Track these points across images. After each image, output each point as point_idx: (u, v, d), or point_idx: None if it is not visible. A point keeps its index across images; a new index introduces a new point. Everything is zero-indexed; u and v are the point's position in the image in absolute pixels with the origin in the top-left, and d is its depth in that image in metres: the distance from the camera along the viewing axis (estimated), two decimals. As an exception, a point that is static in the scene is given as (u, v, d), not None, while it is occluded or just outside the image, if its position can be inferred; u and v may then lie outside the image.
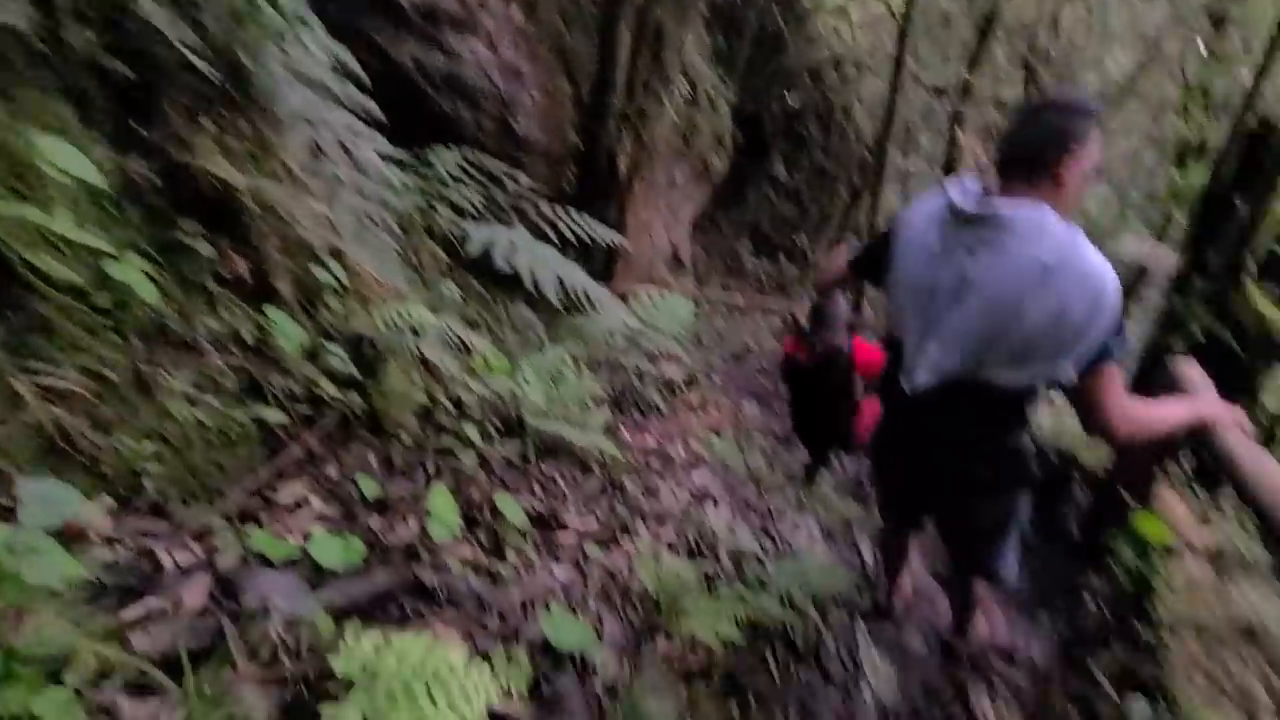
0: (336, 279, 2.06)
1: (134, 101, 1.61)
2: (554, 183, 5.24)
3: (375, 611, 1.41)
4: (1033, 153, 1.33)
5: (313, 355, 1.88)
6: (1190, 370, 2.00)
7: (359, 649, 1.06)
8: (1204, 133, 5.19)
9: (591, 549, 2.01)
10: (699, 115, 7.47)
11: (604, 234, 4.61)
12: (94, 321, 1.40)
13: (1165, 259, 5.08)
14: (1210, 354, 2.88)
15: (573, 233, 4.51)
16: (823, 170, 11.33)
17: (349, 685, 1.03)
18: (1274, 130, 2.91)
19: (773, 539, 2.54)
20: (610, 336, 4.10)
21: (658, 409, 3.87)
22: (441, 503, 1.66)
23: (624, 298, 4.26)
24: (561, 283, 3.69)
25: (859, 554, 2.68)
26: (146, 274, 1.48)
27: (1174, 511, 2.45)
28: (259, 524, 1.49)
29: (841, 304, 3.07)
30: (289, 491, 1.70)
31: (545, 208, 4.47)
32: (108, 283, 1.45)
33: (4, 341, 1.24)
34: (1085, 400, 1.33)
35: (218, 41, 1.73)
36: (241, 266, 1.78)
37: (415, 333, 2.20)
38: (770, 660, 2.10)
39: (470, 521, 1.92)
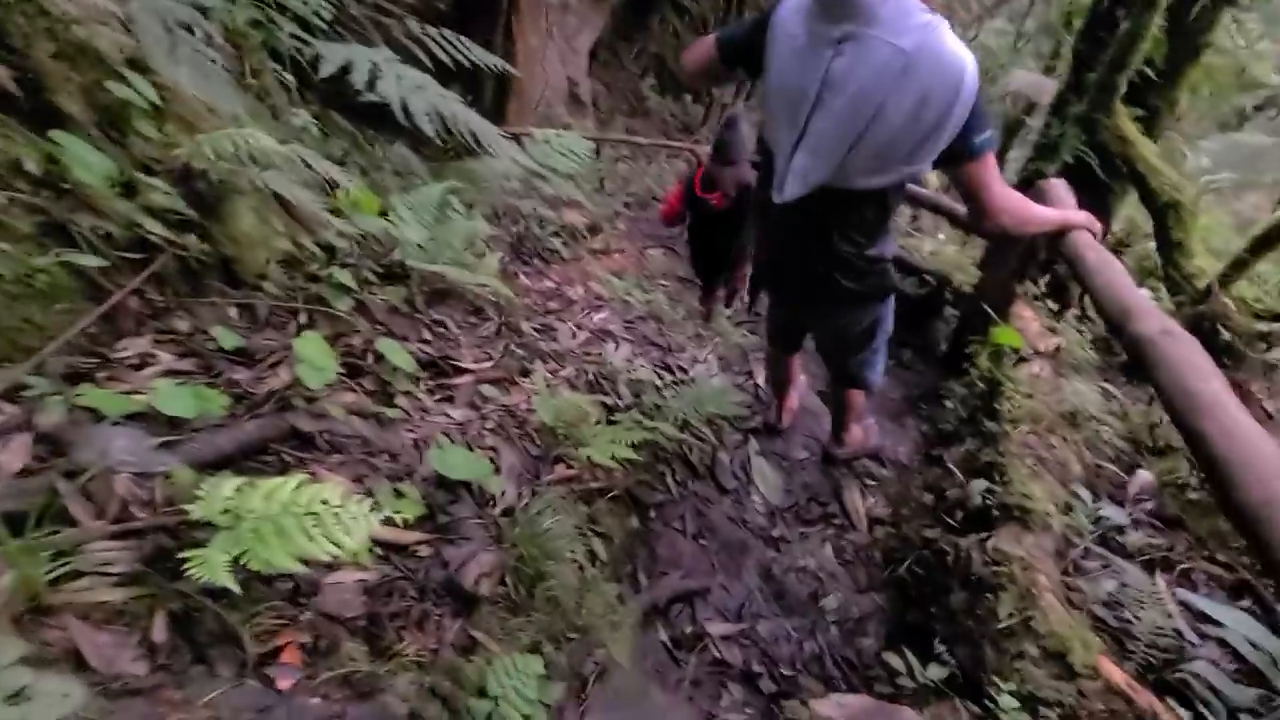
0: (146, 99, 1.71)
1: None
2: (423, -3, 4.51)
3: (248, 462, 1.33)
4: None
5: (129, 191, 1.60)
6: (1057, 185, 2.10)
7: (218, 493, 0.99)
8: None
9: (487, 390, 1.98)
10: (590, -84, 6.53)
11: (487, 60, 4.10)
12: None
13: (1050, 90, 5.20)
14: (1077, 177, 3.04)
15: (451, 58, 3.98)
16: (730, -7, 10.46)
17: (214, 530, 0.98)
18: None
19: (671, 371, 2.62)
20: (506, 181, 3.79)
21: (559, 256, 3.74)
22: (312, 349, 1.54)
23: (518, 139, 3.90)
24: (441, 116, 3.30)
25: (752, 379, 2.83)
26: None
27: (1026, 323, 2.71)
28: (94, 383, 1.32)
29: (744, 132, 2.95)
30: (131, 348, 1.51)
31: (414, 25, 3.88)
32: None
33: None
34: (969, 190, 1.37)
35: None
36: (2, 75, 1.42)
37: (260, 165, 1.91)
38: (669, 478, 2.24)
39: (354, 370, 1.82)
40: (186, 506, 0.99)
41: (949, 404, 2.64)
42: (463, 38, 4.04)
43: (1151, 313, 1.25)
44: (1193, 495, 2.05)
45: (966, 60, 1.23)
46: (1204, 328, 2.85)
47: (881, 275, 1.66)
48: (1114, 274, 1.42)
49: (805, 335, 2.19)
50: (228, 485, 1.02)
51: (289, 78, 3.00)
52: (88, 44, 1.60)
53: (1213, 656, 1.55)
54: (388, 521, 1.14)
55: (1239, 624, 1.38)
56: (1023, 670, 1.43)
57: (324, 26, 3.15)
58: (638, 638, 1.76)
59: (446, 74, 3.79)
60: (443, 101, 3.25)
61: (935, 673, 1.57)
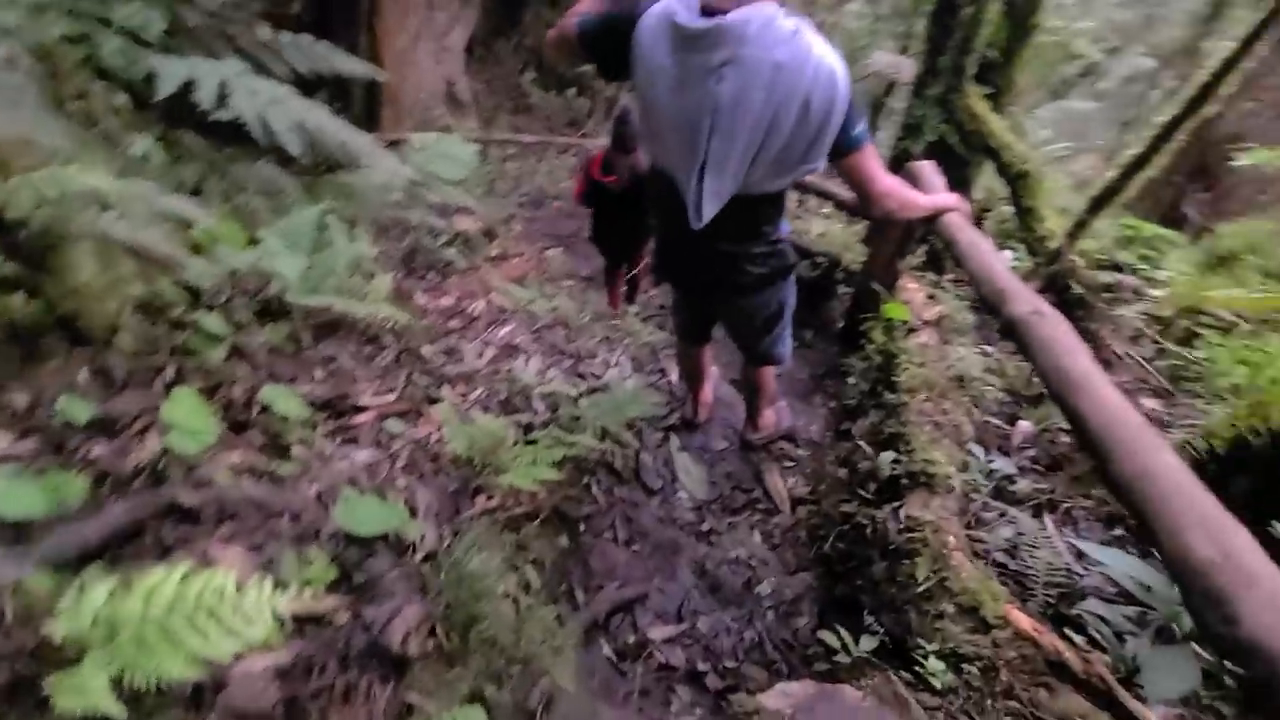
0: (-64, 140, 1.46)
1: None
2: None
3: (121, 551, 1.18)
4: None
5: (-72, 252, 1.36)
6: (926, 168, 2.24)
7: (85, 603, 0.87)
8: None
9: (393, 425, 1.87)
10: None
11: (351, 66, 3.85)
12: None
13: (908, 68, 5.56)
14: (940, 153, 3.28)
15: (310, 67, 3.70)
16: (601, -17, 10.39)
17: (85, 646, 0.85)
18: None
19: (585, 378, 2.59)
20: (388, 192, 3.58)
21: (455, 267, 3.59)
22: (183, 410, 1.39)
23: (396, 147, 3.70)
24: (307, 130, 3.06)
25: (666, 376, 2.85)
26: None
27: (912, 294, 2.90)
28: (-91, 485, 1.12)
29: (637, 121, 2.97)
30: (-47, 436, 1.30)
31: (264, 32, 3.57)
32: None
33: None
34: (853, 180, 1.48)
35: None
36: None
37: (98, 205, 1.69)
38: (595, 488, 2.22)
39: (237, 425, 1.65)
40: (48, 625, 0.86)
41: (851, 379, 2.77)
42: (322, 42, 3.77)
43: (1023, 295, 1.36)
44: (1064, 440, 2.29)
45: (836, 63, 1.30)
46: (1058, 285, 3.17)
47: (783, 255, 1.76)
48: (984, 256, 1.54)
49: (714, 325, 2.24)
50: (97, 590, 0.89)
51: (121, 99, 2.68)
52: None
53: (1097, 584, 1.74)
54: (302, 594, 1.04)
55: (1116, 560, 1.54)
56: (943, 630, 1.53)
57: (158, 39, 2.83)
58: (581, 657, 1.73)
59: (308, 83, 3.52)
60: (307, 113, 3.02)
61: (866, 644, 1.65)
